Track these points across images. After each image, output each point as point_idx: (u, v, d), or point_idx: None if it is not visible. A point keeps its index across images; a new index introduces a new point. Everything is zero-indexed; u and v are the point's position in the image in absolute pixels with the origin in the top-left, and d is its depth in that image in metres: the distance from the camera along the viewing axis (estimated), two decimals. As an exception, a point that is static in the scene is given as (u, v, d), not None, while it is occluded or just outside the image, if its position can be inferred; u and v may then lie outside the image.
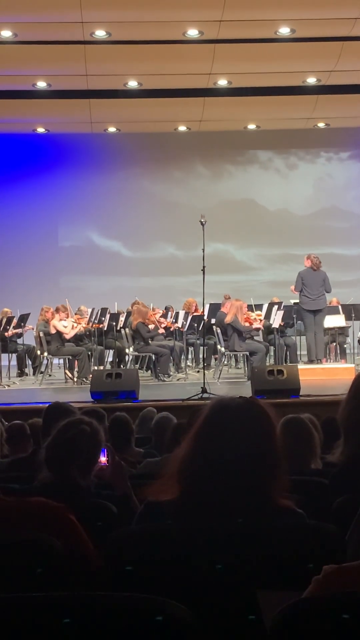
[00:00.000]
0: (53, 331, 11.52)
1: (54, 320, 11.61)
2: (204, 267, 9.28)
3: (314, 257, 11.65)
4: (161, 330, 12.17)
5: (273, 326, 11.46)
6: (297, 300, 11.89)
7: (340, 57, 12.03)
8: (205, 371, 9.79)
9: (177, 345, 12.15)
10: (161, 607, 1.50)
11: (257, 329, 11.72)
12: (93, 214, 16.67)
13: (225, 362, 12.10)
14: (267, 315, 11.79)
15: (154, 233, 16.67)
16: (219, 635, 1.85)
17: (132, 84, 13.29)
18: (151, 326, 11.78)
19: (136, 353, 11.87)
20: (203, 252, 9.27)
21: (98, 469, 3.09)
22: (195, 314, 12.24)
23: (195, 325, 12.07)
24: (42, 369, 12.03)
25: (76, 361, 11.60)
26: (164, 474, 2.19)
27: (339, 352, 13.02)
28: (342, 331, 12.93)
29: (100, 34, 11.24)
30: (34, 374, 12.73)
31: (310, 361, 11.47)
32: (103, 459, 3.16)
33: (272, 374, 8.69)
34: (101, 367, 11.78)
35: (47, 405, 4.53)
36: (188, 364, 12.69)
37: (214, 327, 11.81)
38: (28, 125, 15.36)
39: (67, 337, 11.60)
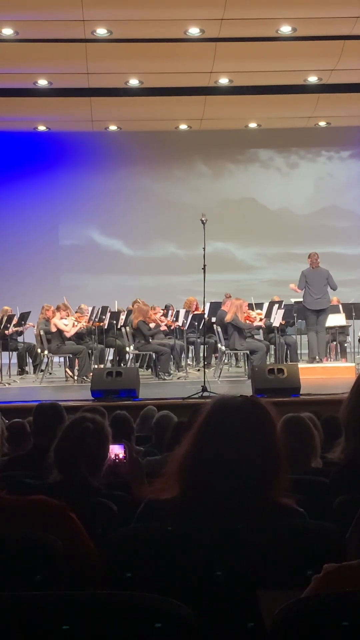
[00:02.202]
0: (54, 329, 11.52)
1: (55, 319, 11.61)
2: (204, 265, 9.28)
3: (313, 254, 11.66)
4: (163, 328, 12.17)
5: (274, 325, 11.46)
6: (298, 299, 11.89)
7: (342, 56, 12.04)
8: (206, 370, 9.78)
9: (177, 344, 12.15)
10: (162, 606, 1.50)
11: (259, 327, 11.72)
12: (94, 213, 16.67)
13: (226, 360, 12.11)
14: (268, 314, 11.79)
15: (155, 232, 16.68)
16: (220, 633, 1.85)
17: (133, 82, 13.29)
18: (152, 325, 11.78)
19: (137, 351, 11.87)
20: (204, 250, 9.27)
21: (115, 464, 3.09)
22: (195, 312, 12.25)
23: (196, 323, 12.08)
24: (43, 367, 12.04)
25: (77, 359, 11.61)
26: (165, 473, 2.19)
27: (339, 351, 13.03)
28: (342, 330, 12.95)
29: (101, 32, 11.24)
30: (34, 372, 12.74)
31: (312, 359, 11.47)
32: (121, 454, 3.16)
33: (272, 373, 8.69)
34: (101, 366, 11.78)
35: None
36: (188, 362, 12.70)
37: (215, 325, 11.81)
38: (29, 123, 15.36)
39: (68, 335, 11.60)
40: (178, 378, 11.40)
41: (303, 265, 11.88)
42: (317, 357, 11.44)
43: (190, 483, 2.09)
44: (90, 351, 11.69)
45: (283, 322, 11.79)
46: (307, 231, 16.30)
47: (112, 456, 3.12)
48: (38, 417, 4.30)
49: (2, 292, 15.27)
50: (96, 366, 11.45)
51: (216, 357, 12.66)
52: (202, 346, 11.34)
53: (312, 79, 13.29)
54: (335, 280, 11.76)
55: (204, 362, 10.36)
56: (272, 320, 11.52)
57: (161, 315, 13.02)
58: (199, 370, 11.20)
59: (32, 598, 1.56)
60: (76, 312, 12.87)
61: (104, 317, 12.12)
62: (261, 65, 12.37)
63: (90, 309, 12.95)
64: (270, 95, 13.71)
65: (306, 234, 16.11)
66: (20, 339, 12.96)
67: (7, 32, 11.10)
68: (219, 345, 11.63)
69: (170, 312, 13.47)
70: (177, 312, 12.83)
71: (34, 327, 12.90)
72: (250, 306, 12.06)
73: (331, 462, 3.31)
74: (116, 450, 3.20)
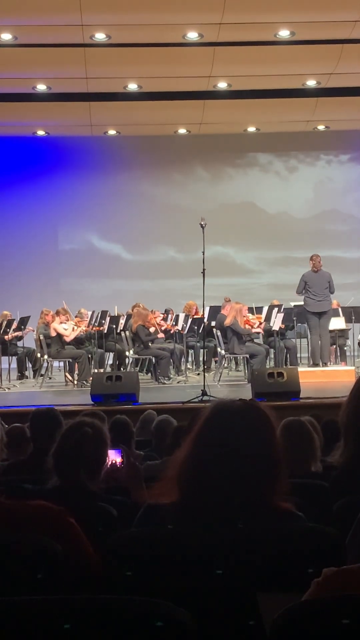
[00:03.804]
0: (53, 334, 11.52)
1: (54, 323, 11.61)
2: (204, 269, 9.29)
3: (315, 257, 11.61)
4: (160, 335, 12.16)
5: (273, 329, 11.45)
6: (298, 303, 11.86)
7: (340, 60, 12.05)
8: (206, 374, 9.78)
9: (177, 348, 12.15)
10: (161, 610, 1.50)
11: (257, 333, 11.71)
12: (93, 217, 16.67)
13: (226, 364, 12.10)
14: (268, 318, 11.78)
15: (154, 236, 16.68)
16: (219, 638, 1.84)
17: (132, 86, 13.30)
18: (151, 329, 11.78)
19: (136, 356, 11.87)
20: (203, 254, 9.27)
21: (113, 470, 3.09)
22: (195, 316, 12.25)
23: (196, 327, 12.08)
24: (42, 371, 12.03)
25: (76, 364, 11.60)
26: (164, 477, 2.19)
27: (339, 354, 13.02)
28: (342, 334, 12.94)
29: (100, 36, 11.25)
30: (34, 376, 12.72)
31: (315, 364, 11.37)
32: (118, 459, 3.16)
33: (272, 377, 8.69)
34: (101, 370, 11.78)
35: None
36: (188, 366, 12.69)
37: (214, 329, 11.81)
38: (28, 128, 15.37)
39: (67, 339, 11.60)
40: (178, 382, 11.40)
41: (302, 269, 11.85)
42: (321, 363, 11.32)
43: (190, 487, 2.08)
44: (89, 355, 11.69)
45: (283, 326, 11.78)
46: (307, 235, 16.30)
47: (110, 461, 3.12)
48: (34, 423, 4.32)
49: (1, 296, 15.26)
50: (96, 370, 11.45)
51: (216, 361, 12.66)
52: (201, 350, 11.33)
53: (311, 83, 13.30)
54: (334, 283, 11.74)
55: (203, 366, 10.35)
56: (271, 324, 11.51)
57: (161, 320, 13.02)
58: (198, 374, 11.19)
59: (31, 602, 1.56)
60: (76, 317, 12.88)
61: (103, 321, 12.12)
62: (260, 69, 12.38)
63: (89, 313, 12.94)
64: (269, 99, 13.71)
65: (305, 238, 16.10)
66: (19, 343, 12.95)
67: (6, 37, 11.11)
68: (219, 349, 11.63)
69: (169, 316, 13.46)
70: (177, 316, 12.82)
71: (33, 331, 12.91)
72: (250, 310, 12.06)
73: (331, 466, 3.31)
74: (113, 456, 3.19)
